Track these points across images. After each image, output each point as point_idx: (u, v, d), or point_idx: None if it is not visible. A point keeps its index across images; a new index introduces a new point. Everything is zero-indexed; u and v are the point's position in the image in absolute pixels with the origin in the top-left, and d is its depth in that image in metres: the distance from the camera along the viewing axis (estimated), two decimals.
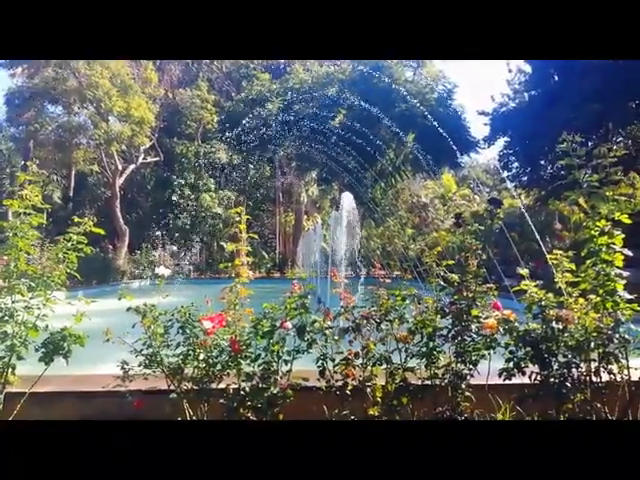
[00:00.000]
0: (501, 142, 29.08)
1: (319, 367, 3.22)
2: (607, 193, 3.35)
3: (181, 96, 32.12)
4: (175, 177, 31.08)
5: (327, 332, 3.23)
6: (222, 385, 3.24)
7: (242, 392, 3.16)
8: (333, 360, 3.26)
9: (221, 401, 3.14)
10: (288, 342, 3.25)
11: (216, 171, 30.34)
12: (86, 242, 3.43)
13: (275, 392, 3.10)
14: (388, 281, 3.81)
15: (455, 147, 22.18)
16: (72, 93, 24.03)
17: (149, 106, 26.28)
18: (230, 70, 35.89)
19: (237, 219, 3.49)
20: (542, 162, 25.96)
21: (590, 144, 22.16)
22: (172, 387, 3.22)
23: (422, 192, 29.96)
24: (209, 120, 31.93)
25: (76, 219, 3.53)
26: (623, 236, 3.29)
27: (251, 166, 28.83)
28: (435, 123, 16.71)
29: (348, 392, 3.21)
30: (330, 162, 24.10)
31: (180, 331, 3.25)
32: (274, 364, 3.21)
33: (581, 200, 3.61)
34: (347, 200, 10.45)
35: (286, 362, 3.23)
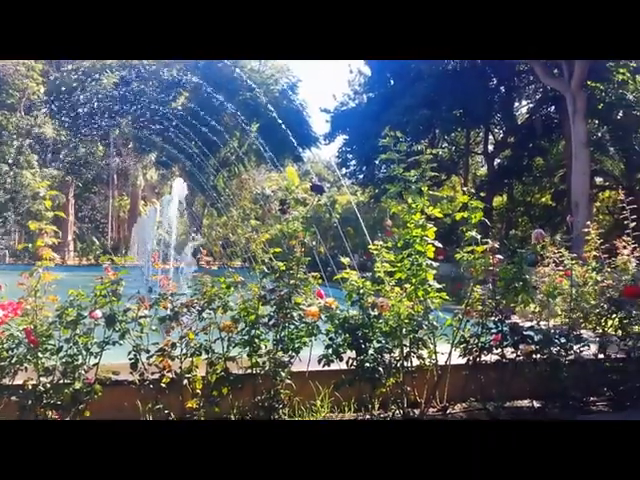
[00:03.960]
0: (340, 140, 30.39)
1: (131, 360, 2.98)
2: (423, 189, 3.57)
3: (2, 63, 28.27)
4: None
5: (142, 321, 3.00)
6: (19, 381, 2.86)
7: (41, 388, 2.82)
8: (148, 352, 3.04)
9: (13, 398, 2.76)
10: (98, 333, 2.97)
11: (40, 146, 27.28)
12: None
13: (78, 387, 2.80)
14: (214, 268, 3.68)
15: (297, 141, 22.56)
16: None
17: None
18: None
19: (42, 195, 3.08)
20: (376, 161, 27.57)
21: (419, 147, 24.06)
22: None
23: (266, 184, 30.13)
24: (35, 90, 28.57)
25: None
26: (435, 229, 3.53)
27: (81, 144, 26.35)
28: (278, 115, 16.83)
29: (164, 385, 3.03)
30: (170, 146, 23.07)
31: None
32: (79, 357, 2.90)
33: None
34: (179, 186, 10.14)
35: (94, 355, 2.94)
